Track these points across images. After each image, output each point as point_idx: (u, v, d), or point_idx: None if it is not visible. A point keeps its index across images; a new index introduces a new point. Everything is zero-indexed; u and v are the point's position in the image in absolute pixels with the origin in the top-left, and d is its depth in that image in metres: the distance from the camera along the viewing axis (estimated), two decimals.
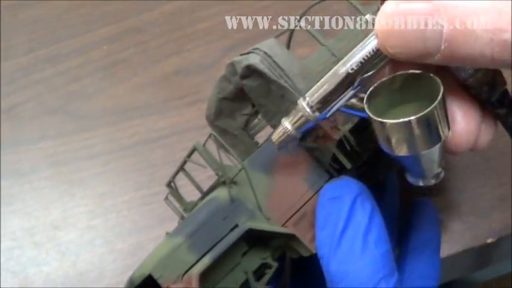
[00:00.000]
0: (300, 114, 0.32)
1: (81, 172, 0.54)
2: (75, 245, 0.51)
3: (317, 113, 0.32)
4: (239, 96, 0.38)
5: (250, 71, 0.35)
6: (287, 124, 0.32)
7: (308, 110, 0.32)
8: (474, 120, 0.32)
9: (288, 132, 0.33)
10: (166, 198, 0.39)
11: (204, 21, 0.59)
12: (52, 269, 0.50)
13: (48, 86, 0.58)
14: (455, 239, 0.48)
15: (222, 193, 0.36)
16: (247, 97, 0.37)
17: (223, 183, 0.36)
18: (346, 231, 0.35)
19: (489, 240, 0.48)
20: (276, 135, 0.33)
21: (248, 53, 0.36)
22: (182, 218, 0.38)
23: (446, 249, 0.49)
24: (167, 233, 0.36)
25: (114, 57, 0.59)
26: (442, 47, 0.28)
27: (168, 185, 0.38)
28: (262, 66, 0.35)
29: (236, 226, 0.35)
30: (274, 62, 0.35)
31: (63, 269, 0.50)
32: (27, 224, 0.52)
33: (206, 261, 0.33)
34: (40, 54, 0.60)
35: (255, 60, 0.35)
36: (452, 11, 0.27)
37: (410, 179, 0.34)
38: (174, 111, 0.56)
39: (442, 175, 0.34)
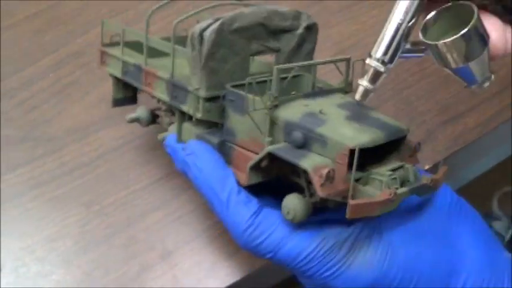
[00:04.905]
0: (371, 70, 0.40)
1: (62, 188, 0.59)
2: (74, 251, 0.56)
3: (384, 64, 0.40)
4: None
5: None
6: (364, 83, 0.40)
7: (377, 63, 0.40)
8: (501, 30, 0.41)
9: (367, 88, 0.40)
10: None
11: None
12: (60, 276, 0.56)
13: (8, 118, 0.63)
14: None
15: None
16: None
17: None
18: None
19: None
20: (358, 94, 0.41)
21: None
22: None
23: None
24: None
25: (63, 81, 0.64)
26: None
27: None
28: None
29: None
30: None
31: (71, 274, 0.56)
32: (24, 243, 0.57)
33: None
34: None
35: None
36: None
37: (469, 86, 0.42)
38: None
39: (492, 77, 0.42)
